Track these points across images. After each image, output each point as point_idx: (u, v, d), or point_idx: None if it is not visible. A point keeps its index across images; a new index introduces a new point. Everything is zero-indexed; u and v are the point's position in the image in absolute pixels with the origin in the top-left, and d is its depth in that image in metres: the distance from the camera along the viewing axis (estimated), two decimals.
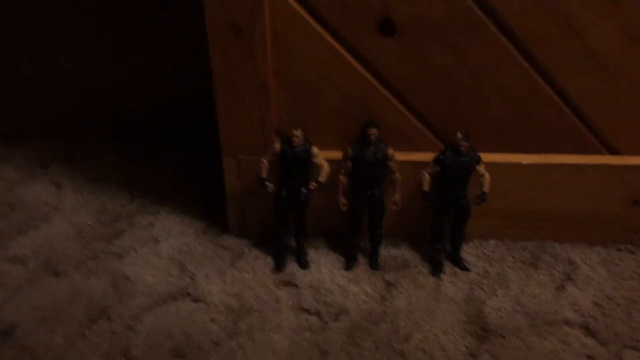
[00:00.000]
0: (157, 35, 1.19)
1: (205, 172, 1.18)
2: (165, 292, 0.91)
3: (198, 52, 0.94)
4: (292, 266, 0.96)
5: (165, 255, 0.99)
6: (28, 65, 1.23)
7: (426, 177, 0.90)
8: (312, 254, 0.98)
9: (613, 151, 0.91)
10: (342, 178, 0.91)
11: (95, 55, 1.22)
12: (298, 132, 0.88)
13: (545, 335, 0.82)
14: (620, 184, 0.92)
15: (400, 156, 0.91)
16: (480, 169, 0.89)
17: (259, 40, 0.82)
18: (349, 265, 0.96)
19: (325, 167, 0.91)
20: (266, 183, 0.92)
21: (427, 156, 0.91)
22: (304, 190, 0.92)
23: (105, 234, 1.03)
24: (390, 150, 0.89)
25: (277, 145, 0.90)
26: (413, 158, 0.92)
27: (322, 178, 0.91)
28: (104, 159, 1.22)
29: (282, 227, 0.96)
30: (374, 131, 0.87)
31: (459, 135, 0.87)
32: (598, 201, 0.94)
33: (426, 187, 0.90)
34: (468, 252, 0.97)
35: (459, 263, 0.95)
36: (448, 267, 0.95)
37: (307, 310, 0.88)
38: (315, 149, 0.90)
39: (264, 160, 0.91)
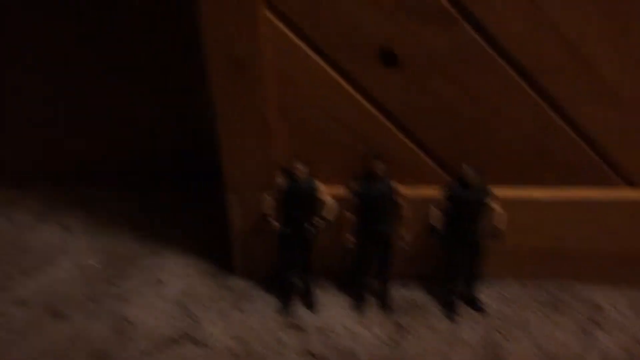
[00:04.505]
0: (166, 85, 1.20)
1: (212, 213, 1.17)
2: (167, 335, 0.88)
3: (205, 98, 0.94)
4: (298, 307, 0.92)
5: (169, 298, 0.96)
6: (43, 109, 1.25)
7: (435, 212, 0.87)
8: (320, 295, 0.94)
9: (632, 183, 0.87)
10: (348, 214, 0.89)
11: (106, 102, 1.23)
12: (301, 166, 0.87)
13: None
14: None
15: (408, 191, 0.88)
16: (491, 203, 0.85)
17: (260, 74, 0.81)
18: (357, 306, 0.92)
19: (330, 202, 0.89)
20: (270, 220, 0.90)
21: (436, 190, 0.88)
22: (308, 226, 0.90)
23: (109, 275, 1.02)
24: (396, 185, 0.87)
25: (281, 181, 0.88)
26: (422, 193, 0.89)
27: (327, 214, 0.88)
28: (112, 203, 1.22)
29: (287, 266, 0.93)
30: (378, 164, 0.85)
31: (467, 168, 0.84)
32: (619, 238, 0.88)
33: (435, 222, 0.87)
34: (483, 292, 0.92)
35: (474, 304, 0.90)
36: (462, 309, 0.90)
37: (314, 355, 0.83)
38: (319, 184, 0.88)
39: (268, 197, 0.89)
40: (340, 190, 0.89)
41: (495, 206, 0.85)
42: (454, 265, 0.90)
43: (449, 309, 0.90)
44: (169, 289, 0.98)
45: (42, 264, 1.04)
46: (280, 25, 0.80)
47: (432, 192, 0.88)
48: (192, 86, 1.12)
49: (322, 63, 0.82)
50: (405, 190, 0.87)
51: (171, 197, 1.23)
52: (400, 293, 0.94)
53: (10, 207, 1.20)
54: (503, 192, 0.87)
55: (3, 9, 1.13)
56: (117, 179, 1.28)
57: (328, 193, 0.88)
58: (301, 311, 0.91)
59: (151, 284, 1.00)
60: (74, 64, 1.18)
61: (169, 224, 1.15)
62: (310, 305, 0.92)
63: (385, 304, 0.92)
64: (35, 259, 1.06)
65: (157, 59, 1.16)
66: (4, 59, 1.19)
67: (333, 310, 0.91)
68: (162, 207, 1.21)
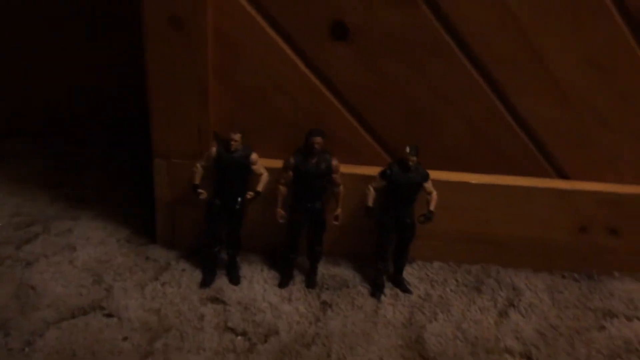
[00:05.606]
0: (91, 31, 1.10)
1: (136, 177, 1.09)
2: (75, 305, 0.82)
3: (134, 48, 0.86)
4: (221, 281, 0.88)
5: (81, 265, 0.89)
6: None
7: (371, 191, 0.85)
8: (245, 269, 0.91)
9: (563, 176, 0.89)
10: (282, 188, 0.85)
11: (27, 47, 1.12)
12: (237, 137, 0.82)
13: None
14: (569, 210, 0.90)
15: (345, 169, 0.85)
16: (428, 186, 0.84)
17: (201, 36, 0.76)
18: (283, 282, 0.89)
19: (265, 175, 0.84)
20: (199, 190, 0.84)
21: (374, 170, 0.86)
22: (239, 199, 0.85)
23: (15, 237, 0.93)
24: (334, 162, 0.84)
25: (214, 150, 0.83)
26: (359, 171, 0.87)
27: (260, 187, 0.84)
28: (27, 158, 1.12)
29: (213, 238, 0.88)
30: (318, 140, 0.82)
31: (408, 149, 0.82)
32: (545, 226, 0.91)
33: (370, 202, 0.85)
34: (411, 273, 0.92)
35: (400, 284, 0.90)
36: (389, 289, 0.89)
37: (233, 330, 0.80)
38: (254, 156, 0.84)
39: (198, 165, 0.84)
40: (277, 163, 0.85)
41: (432, 189, 0.84)
42: (385, 245, 0.89)
43: (376, 289, 0.89)
44: (82, 255, 0.91)
45: None
46: None
47: (370, 170, 0.86)
48: (128, 43, 1.03)
49: (269, 29, 0.77)
50: (344, 168, 0.85)
51: (96, 161, 1.13)
52: (329, 270, 0.92)
53: None
54: (438, 175, 0.87)
55: None
56: (36, 134, 1.16)
57: (263, 165, 0.84)
58: (224, 286, 0.88)
59: (61, 249, 0.92)
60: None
61: (89, 188, 1.06)
62: (234, 279, 0.89)
63: (312, 281, 0.89)
64: None
65: (92, 11, 1.06)
66: None
67: (258, 286, 0.88)
68: (83, 169, 1.11)
